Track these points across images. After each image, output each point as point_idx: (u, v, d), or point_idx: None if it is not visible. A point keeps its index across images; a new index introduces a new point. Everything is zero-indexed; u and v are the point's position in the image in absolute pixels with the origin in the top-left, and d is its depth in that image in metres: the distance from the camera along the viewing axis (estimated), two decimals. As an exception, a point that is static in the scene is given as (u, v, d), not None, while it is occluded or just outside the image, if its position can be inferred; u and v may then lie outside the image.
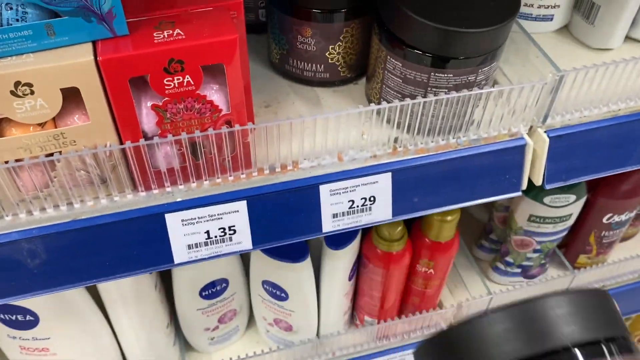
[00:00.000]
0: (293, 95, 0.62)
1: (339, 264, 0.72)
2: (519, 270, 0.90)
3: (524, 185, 0.61)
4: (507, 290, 0.86)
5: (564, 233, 0.85)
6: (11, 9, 0.39)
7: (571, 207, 0.79)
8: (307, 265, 0.70)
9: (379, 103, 0.58)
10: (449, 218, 0.72)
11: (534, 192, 0.77)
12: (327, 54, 0.59)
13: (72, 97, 0.44)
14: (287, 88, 0.63)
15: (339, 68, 0.61)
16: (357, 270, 0.78)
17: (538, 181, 0.61)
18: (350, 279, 0.76)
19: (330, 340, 0.80)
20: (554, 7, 0.68)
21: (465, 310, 0.86)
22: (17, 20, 0.40)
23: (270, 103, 0.61)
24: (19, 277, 0.50)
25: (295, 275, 0.71)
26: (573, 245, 0.92)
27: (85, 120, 0.45)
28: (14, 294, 0.51)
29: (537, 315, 0.25)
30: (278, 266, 0.69)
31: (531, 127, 0.59)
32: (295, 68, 0.61)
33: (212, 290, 0.74)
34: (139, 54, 0.42)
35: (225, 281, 0.75)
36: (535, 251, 0.86)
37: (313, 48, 0.59)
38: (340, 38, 0.58)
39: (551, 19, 0.69)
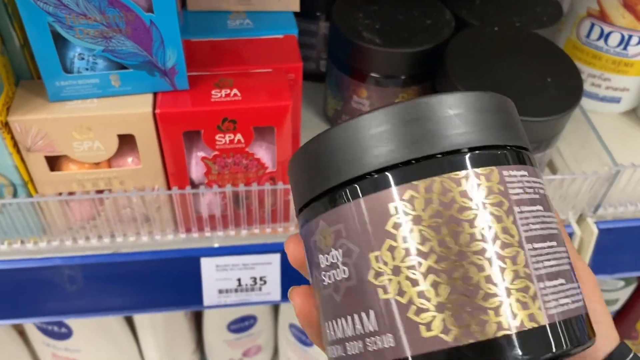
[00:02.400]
0: (342, 150, 0.63)
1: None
2: None
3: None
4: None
5: (608, 317, 0.81)
6: (82, 59, 0.42)
7: (619, 292, 0.76)
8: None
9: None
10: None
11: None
12: (380, 116, 0.59)
13: (127, 139, 0.46)
14: (338, 142, 0.64)
15: (390, 130, 0.61)
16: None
17: (582, 271, 0.58)
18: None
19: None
20: (623, 90, 0.66)
21: None
22: (87, 69, 0.42)
23: (318, 156, 0.62)
24: (58, 298, 0.53)
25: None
26: (617, 331, 0.88)
27: (137, 164, 0.47)
28: (50, 314, 0.54)
29: (422, 116, 0.21)
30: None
31: (581, 214, 0.57)
32: (348, 124, 0.62)
33: (240, 325, 0.75)
34: (195, 110, 0.44)
35: (253, 318, 0.76)
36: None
37: (367, 108, 0.59)
38: (395, 101, 0.58)
39: (618, 101, 0.67)
